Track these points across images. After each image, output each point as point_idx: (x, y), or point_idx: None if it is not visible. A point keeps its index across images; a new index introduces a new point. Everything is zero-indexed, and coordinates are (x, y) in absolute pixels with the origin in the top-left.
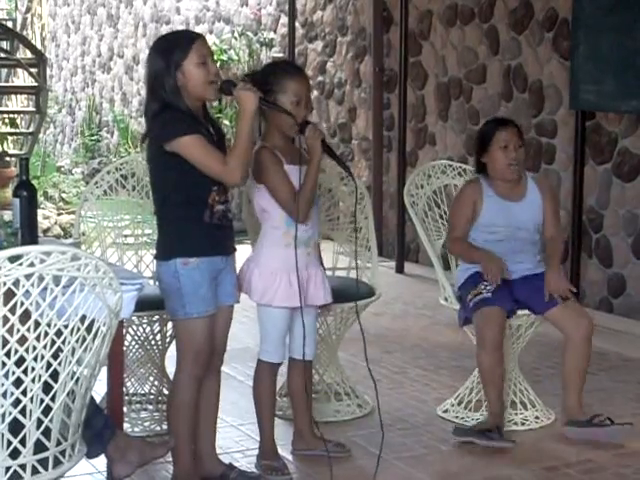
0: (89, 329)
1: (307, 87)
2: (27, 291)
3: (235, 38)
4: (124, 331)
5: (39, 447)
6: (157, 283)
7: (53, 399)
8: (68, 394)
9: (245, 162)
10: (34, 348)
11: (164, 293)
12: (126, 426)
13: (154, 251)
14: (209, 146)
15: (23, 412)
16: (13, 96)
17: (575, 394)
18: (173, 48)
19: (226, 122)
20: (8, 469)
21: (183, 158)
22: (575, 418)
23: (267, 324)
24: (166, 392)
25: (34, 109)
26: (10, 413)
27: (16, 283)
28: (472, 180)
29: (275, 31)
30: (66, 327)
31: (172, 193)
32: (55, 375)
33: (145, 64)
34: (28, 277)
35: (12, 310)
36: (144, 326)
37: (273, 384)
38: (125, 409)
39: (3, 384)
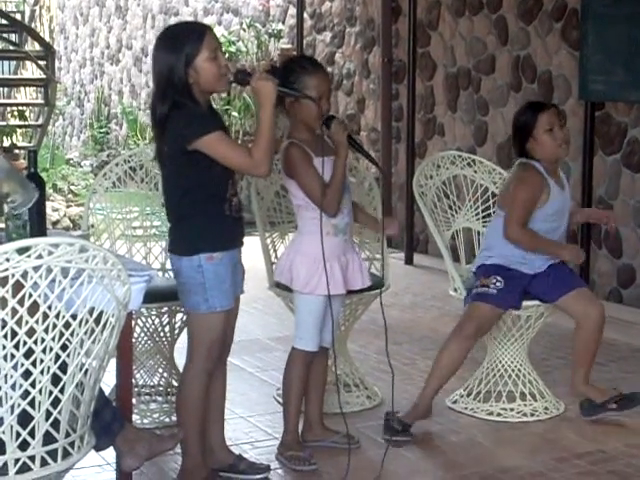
0: (98, 321)
1: (328, 82)
2: (35, 283)
3: (243, 29)
4: (133, 323)
5: (48, 439)
6: (170, 275)
7: (62, 391)
8: (77, 386)
9: (270, 153)
10: (42, 340)
11: (183, 287)
12: (135, 418)
13: (163, 243)
14: (232, 140)
15: (32, 404)
16: (22, 88)
17: (582, 369)
18: (183, 44)
19: (235, 114)
20: (17, 461)
21: (203, 155)
22: (587, 397)
23: (305, 312)
24: (175, 384)
25: (43, 101)
26: (19, 405)
27: (24, 275)
28: (530, 166)
29: (283, 22)
30: (74, 319)
31: (193, 190)
32: (64, 367)
33: (153, 60)
34: (36, 269)
35: (20, 302)
36: (153, 318)
37: (305, 374)
38: (134, 401)
39: (12, 376)
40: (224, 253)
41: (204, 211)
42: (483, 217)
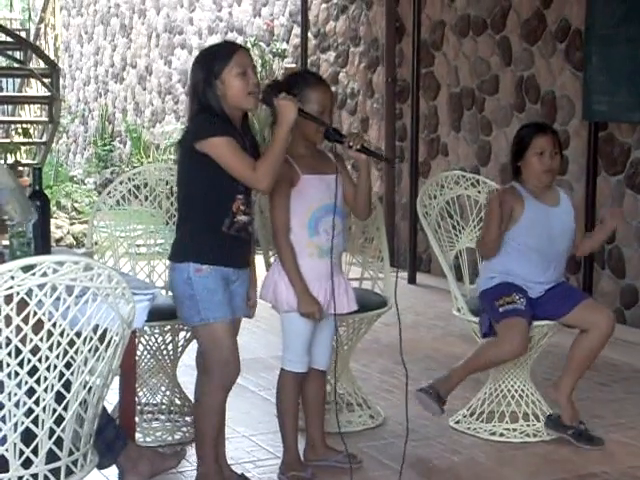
0: (102, 339)
1: (330, 96)
2: (40, 301)
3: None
4: (136, 341)
5: (51, 457)
6: (169, 287)
7: (65, 409)
8: (80, 404)
9: (275, 170)
10: (47, 358)
11: (177, 300)
12: (138, 436)
13: (167, 261)
14: (240, 150)
15: (35, 422)
16: (26, 106)
17: (573, 378)
18: (214, 59)
19: None
20: (20, 479)
21: (212, 161)
22: (560, 414)
23: (291, 333)
24: (178, 402)
25: (47, 119)
26: (23, 423)
27: (29, 293)
28: (507, 188)
29: (288, 42)
30: (79, 337)
31: (196, 195)
32: (68, 385)
33: (189, 74)
34: (41, 287)
35: (25, 320)
36: (156, 336)
37: (297, 394)
38: (137, 419)
39: (16, 394)
40: (213, 267)
41: (200, 220)
42: None
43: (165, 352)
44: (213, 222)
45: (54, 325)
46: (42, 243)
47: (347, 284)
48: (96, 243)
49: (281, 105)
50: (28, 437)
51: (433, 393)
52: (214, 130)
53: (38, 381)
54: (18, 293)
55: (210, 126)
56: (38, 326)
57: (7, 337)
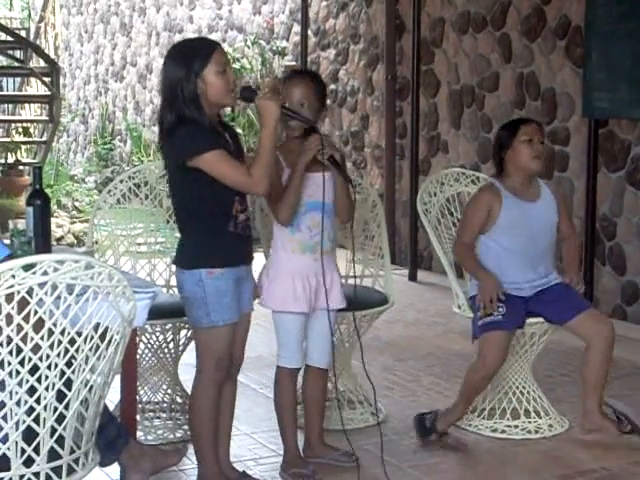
0: (102, 337)
1: (307, 91)
2: (41, 299)
3: (248, 47)
4: (137, 339)
5: (53, 455)
6: (174, 292)
7: (67, 407)
8: (81, 402)
9: (269, 172)
10: (48, 356)
11: (186, 301)
12: (139, 434)
13: (167, 259)
14: (232, 159)
15: (37, 420)
16: (27, 105)
17: (596, 396)
18: (193, 57)
19: (239, 130)
20: (22, 477)
21: (204, 173)
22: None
23: (281, 329)
24: (179, 400)
25: (47, 118)
26: (24, 421)
27: (30, 291)
28: (486, 185)
29: (288, 39)
30: (80, 335)
31: (195, 204)
32: (69, 383)
33: (161, 72)
34: (42, 285)
35: (26, 318)
36: (157, 334)
37: (294, 390)
38: (138, 417)
39: (17, 392)
40: (225, 269)
41: (206, 227)
42: None
43: (166, 350)
44: (218, 226)
45: (55, 324)
46: (43, 242)
47: (335, 282)
48: (97, 242)
49: (261, 106)
50: (29, 436)
51: (429, 427)
52: (203, 146)
53: (39, 380)
54: (19, 292)
55: (197, 141)
56: (39, 325)
57: (8, 336)
